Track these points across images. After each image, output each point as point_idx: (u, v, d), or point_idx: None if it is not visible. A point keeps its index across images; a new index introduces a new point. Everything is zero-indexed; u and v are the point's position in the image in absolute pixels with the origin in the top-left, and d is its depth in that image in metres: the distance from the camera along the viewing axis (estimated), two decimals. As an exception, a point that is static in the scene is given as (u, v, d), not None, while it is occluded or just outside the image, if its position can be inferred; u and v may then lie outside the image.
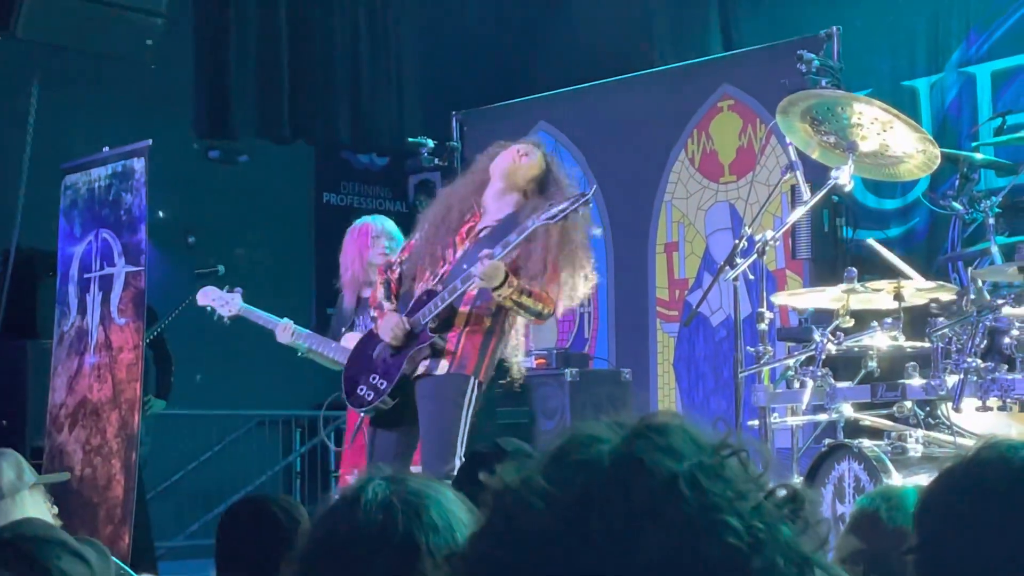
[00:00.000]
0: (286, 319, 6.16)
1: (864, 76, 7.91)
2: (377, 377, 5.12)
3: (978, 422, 4.65)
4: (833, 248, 7.26)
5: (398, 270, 5.32)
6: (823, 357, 4.94)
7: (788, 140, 5.26)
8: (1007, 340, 4.60)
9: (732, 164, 7.94)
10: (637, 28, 9.45)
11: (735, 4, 9.34)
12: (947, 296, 5.06)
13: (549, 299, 5.00)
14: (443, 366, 5.02)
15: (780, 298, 5.81)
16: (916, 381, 4.81)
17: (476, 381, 5.01)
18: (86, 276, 6.89)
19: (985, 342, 4.62)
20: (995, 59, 7.95)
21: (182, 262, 9.18)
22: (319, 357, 6.15)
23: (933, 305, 5.02)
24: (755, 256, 4.97)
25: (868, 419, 5.06)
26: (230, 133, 9.53)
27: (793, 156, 5.22)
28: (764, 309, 5.17)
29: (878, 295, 5.05)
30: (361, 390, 5.16)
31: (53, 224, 7.20)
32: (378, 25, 10.12)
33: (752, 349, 5.20)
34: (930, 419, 4.95)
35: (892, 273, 5.27)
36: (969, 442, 4.49)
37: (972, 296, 4.77)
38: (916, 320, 5.12)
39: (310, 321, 6.47)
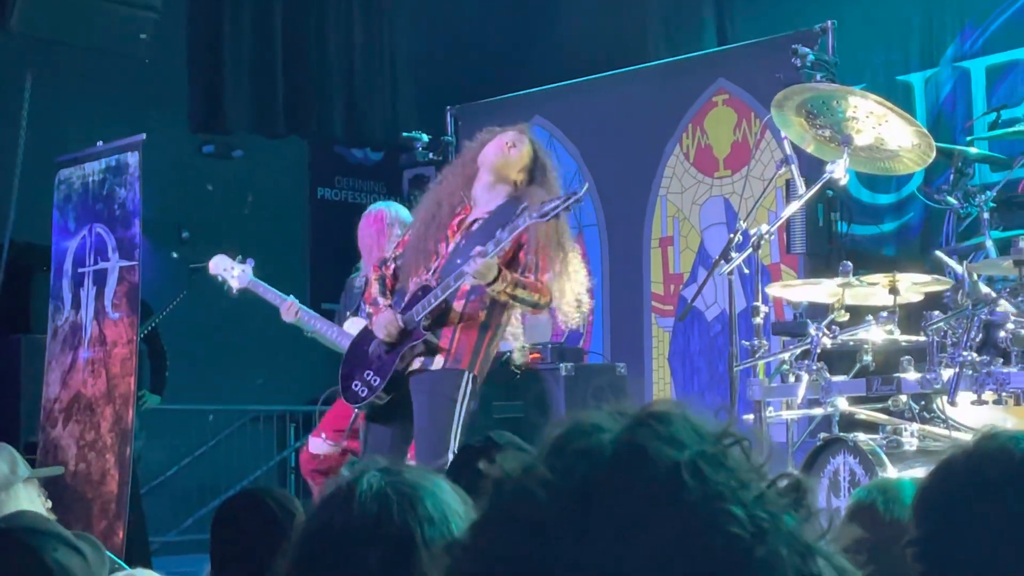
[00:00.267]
0: (292, 296, 6.16)
1: (859, 71, 7.91)
2: (371, 373, 5.13)
3: (973, 416, 4.66)
4: (828, 243, 7.26)
5: (392, 266, 5.32)
6: (818, 351, 4.94)
7: (783, 134, 5.26)
8: (1002, 334, 4.60)
9: (727, 159, 7.93)
10: (632, 23, 9.44)
11: (730, -1, 9.35)
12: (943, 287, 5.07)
13: (544, 288, 5.01)
14: (438, 362, 5.02)
15: (775, 289, 5.81)
16: (911, 375, 4.81)
17: (471, 376, 5.01)
18: (80, 271, 6.88)
19: (980, 336, 4.62)
20: (989, 54, 7.95)
21: (176, 257, 9.18)
22: (323, 339, 6.18)
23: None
24: (750, 250, 4.97)
25: (863, 413, 5.06)
26: (224, 128, 9.52)
27: (788, 150, 5.22)
28: (759, 303, 5.17)
29: (873, 289, 5.06)
30: (355, 386, 5.17)
31: (47, 218, 7.19)
32: (372, 19, 10.11)
33: (747, 343, 5.19)
34: (925, 413, 4.95)
35: (889, 268, 5.28)
36: (964, 436, 4.50)
37: (967, 290, 4.78)
38: (911, 314, 5.12)
39: (339, 308, 6.46)
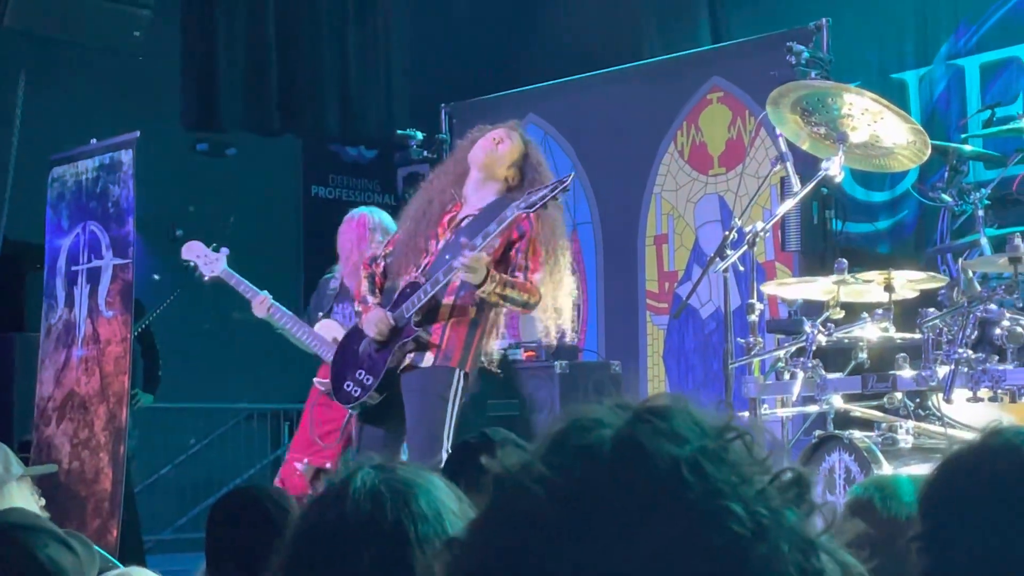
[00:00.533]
0: (264, 291, 6.13)
1: (853, 68, 7.91)
2: (363, 372, 5.11)
3: (969, 413, 4.66)
4: (822, 240, 7.26)
5: (382, 264, 5.30)
6: (813, 348, 4.94)
7: (778, 132, 5.26)
8: (997, 331, 4.60)
9: (721, 156, 7.93)
10: (626, 20, 9.44)
11: (724, -4, 9.35)
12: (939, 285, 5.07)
13: (535, 288, 5.00)
14: (428, 359, 5.01)
15: (770, 287, 5.81)
16: (906, 372, 4.82)
17: (461, 373, 5.00)
18: (74, 269, 6.87)
19: (976, 333, 4.62)
20: (984, 52, 7.96)
21: (169, 255, 9.16)
22: (292, 337, 6.15)
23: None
24: (745, 248, 4.97)
25: (858, 410, 5.06)
26: (218, 125, 9.51)
27: (783, 147, 5.22)
28: (754, 301, 5.17)
29: (868, 286, 5.06)
30: (348, 386, 5.16)
31: (40, 216, 7.18)
32: (367, 17, 10.10)
33: (742, 340, 5.20)
34: (920, 410, 4.96)
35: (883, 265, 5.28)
36: (960, 433, 4.50)
37: (962, 287, 4.78)
38: (906, 311, 5.13)
39: (298, 314, 6.45)
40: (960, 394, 4.58)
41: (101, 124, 7.63)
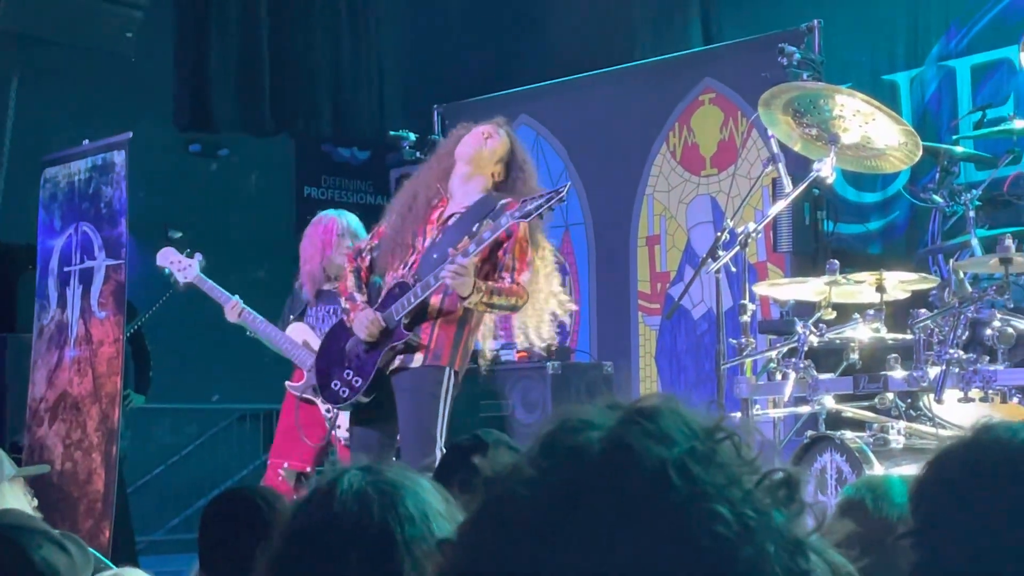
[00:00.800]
0: (236, 296, 6.13)
1: (844, 70, 7.93)
2: (351, 373, 5.09)
3: (960, 413, 4.67)
4: (814, 241, 7.27)
5: (368, 257, 5.27)
6: (805, 349, 4.95)
7: (770, 133, 5.27)
8: (988, 332, 4.62)
9: (713, 157, 7.94)
10: (618, 22, 9.45)
11: (716, -3, 9.36)
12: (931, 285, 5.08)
13: (521, 290, 5.00)
14: (418, 359, 5.00)
15: (762, 288, 5.82)
16: (898, 373, 4.83)
17: (452, 371, 5.00)
18: (66, 269, 6.86)
19: (967, 334, 4.63)
20: (975, 53, 7.97)
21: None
22: (265, 341, 6.16)
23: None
24: (737, 248, 4.98)
25: (850, 411, 5.07)
26: (211, 126, 9.51)
27: (775, 148, 5.23)
28: (746, 301, 5.17)
29: (860, 287, 5.07)
30: (335, 385, 5.14)
31: (33, 217, 7.17)
32: (359, 18, 10.11)
33: (734, 341, 5.20)
34: (912, 411, 4.97)
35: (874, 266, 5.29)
36: (951, 433, 4.51)
37: (953, 288, 4.79)
38: (898, 312, 5.14)
39: (283, 312, 6.45)
40: (951, 395, 4.60)
41: (94, 125, 7.62)
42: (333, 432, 5.80)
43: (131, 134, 6.66)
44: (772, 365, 5.20)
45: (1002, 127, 5.98)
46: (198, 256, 6.22)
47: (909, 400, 4.99)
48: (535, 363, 7.05)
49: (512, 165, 5.21)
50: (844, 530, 1.03)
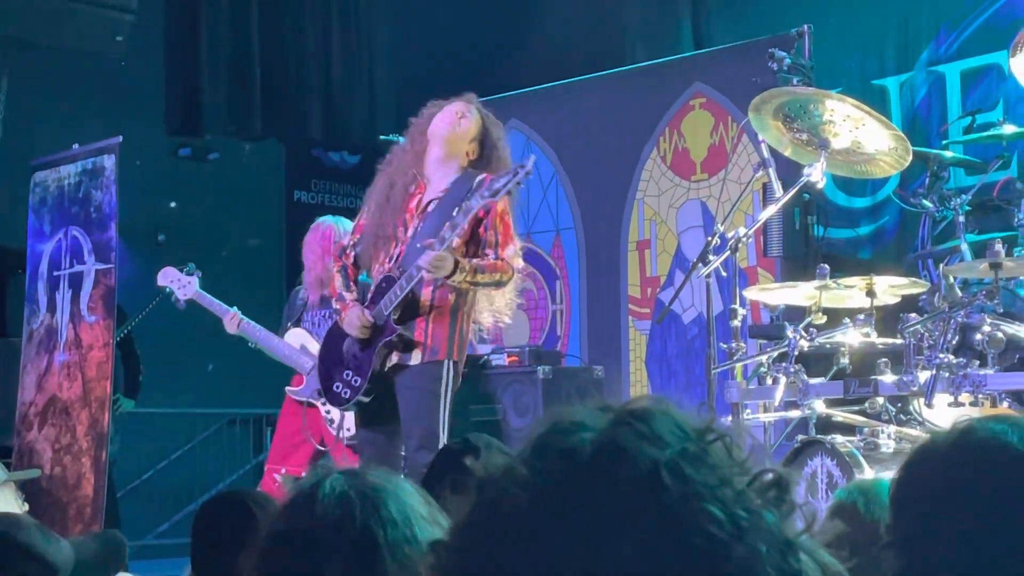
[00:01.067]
0: (234, 308, 6.19)
1: (834, 75, 7.94)
2: (350, 373, 5.09)
3: (950, 418, 4.67)
4: (804, 246, 7.29)
5: (352, 254, 5.25)
6: (795, 353, 4.95)
7: (760, 138, 5.27)
8: (978, 336, 4.62)
9: (704, 162, 7.95)
10: (609, 27, 9.46)
11: (706, 3, 9.37)
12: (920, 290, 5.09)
13: (505, 265, 4.98)
14: (416, 356, 4.99)
15: (752, 293, 5.82)
16: (888, 377, 4.83)
17: (450, 363, 4.98)
18: (56, 273, 6.85)
19: (957, 338, 4.64)
20: (964, 58, 8.00)
21: (151, 261, 9.14)
22: (266, 350, 6.21)
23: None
24: (727, 253, 4.98)
25: (840, 415, 5.07)
26: (201, 131, 9.50)
27: (765, 153, 5.24)
28: (737, 306, 5.18)
29: (850, 292, 5.07)
30: (337, 387, 5.13)
31: (23, 221, 7.16)
32: (350, 22, 10.10)
33: (725, 346, 5.21)
34: (902, 415, 4.97)
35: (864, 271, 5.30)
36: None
37: (943, 293, 4.80)
38: (888, 316, 5.14)
39: (282, 319, 6.47)
40: (941, 399, 4.60)
41: (84, 129, 7.62)
42: (338, 434, 5.82)
43: (121, 138, 6.66)
44: (763, 369, 5.20)
45: (991, 132, 5.99)
46: (197, 273, 6.30)
47: (899, 404, 4.99)
48: (526, 368, 7.05)
49: (486, 143, 5.16)
50: (834, 530, 1.03)
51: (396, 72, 10.26)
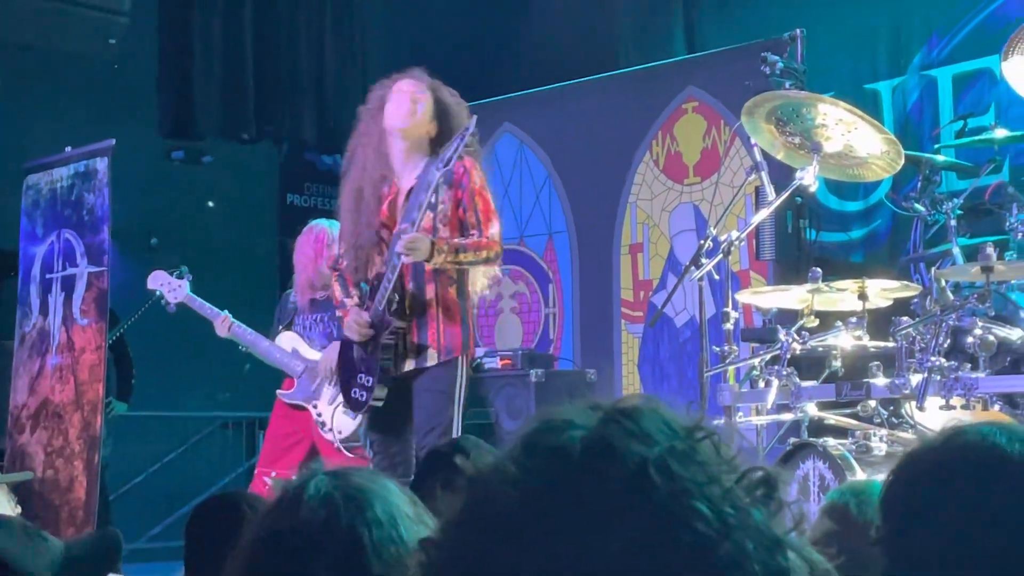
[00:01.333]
0: (225, 311, 6.19)
1: (826, 79, 7.95)
2: (363, 375, 5.05)
3: (942, 421, 4.68)
4: (796, 249, 7.30)
5: (344, 263, 5.23)
6: (788, 357, 4.96)
7: (753, 141, 5.28)
8: (970, 339, 4.63)
9: (696, 165, 7.97)
10: (602, 30, 9.47)
11: (699, 7, 9.38)
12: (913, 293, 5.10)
13: (488, 242, 4.93)
14: (432, 357, 4.94)
15: (745, 296, 5.83)
16: (880, 380, 4.84)
17: (464, 359, 4.96)
18: (48, 276, 6.84)
19: (948, 341, 4.65)
20: (956, 63, 8.01)
21: (144, 264, 9.14)
22: (256, 353, 6.21)
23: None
24: (720, 256, 4.99)
25: (832, 418, 5.08)
26: (194, 133, 9.49)
27: (758, 157, 5.25)
28: (729, 309, 5.19)
29: (842, 295, 5.08)
30: (355, 392, 5.10)
31: (15, 224, 7.15)
32: (343, 26, 10.11)
33: (717, 349, 5.21)
34: (894, 418, 4.98)
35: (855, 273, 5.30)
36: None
37: (935, 296, 4.81)
38: (880, 320, 5.15)
39: (273, 323, 6.46)
40: (933, 402, 4.61)
41: (76, 132, 7.61)
42: (326, 435, 5.83)
43: (114, 141, 6.65)
44: (755, 372, 5.21)
45: (983, 136, 6.00)
46: (188, 276, 6.30)
47: (891, 407, 5.00)
48: (519, 371, 7.06)
49: (442, 116, 5.07)
50: (822, 528, 1.03)
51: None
